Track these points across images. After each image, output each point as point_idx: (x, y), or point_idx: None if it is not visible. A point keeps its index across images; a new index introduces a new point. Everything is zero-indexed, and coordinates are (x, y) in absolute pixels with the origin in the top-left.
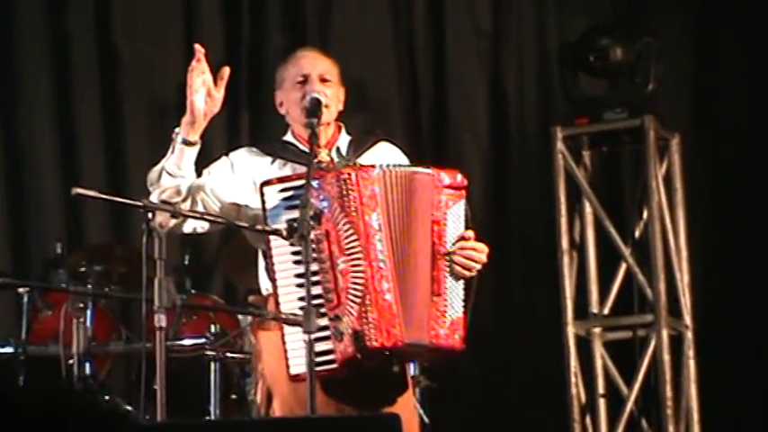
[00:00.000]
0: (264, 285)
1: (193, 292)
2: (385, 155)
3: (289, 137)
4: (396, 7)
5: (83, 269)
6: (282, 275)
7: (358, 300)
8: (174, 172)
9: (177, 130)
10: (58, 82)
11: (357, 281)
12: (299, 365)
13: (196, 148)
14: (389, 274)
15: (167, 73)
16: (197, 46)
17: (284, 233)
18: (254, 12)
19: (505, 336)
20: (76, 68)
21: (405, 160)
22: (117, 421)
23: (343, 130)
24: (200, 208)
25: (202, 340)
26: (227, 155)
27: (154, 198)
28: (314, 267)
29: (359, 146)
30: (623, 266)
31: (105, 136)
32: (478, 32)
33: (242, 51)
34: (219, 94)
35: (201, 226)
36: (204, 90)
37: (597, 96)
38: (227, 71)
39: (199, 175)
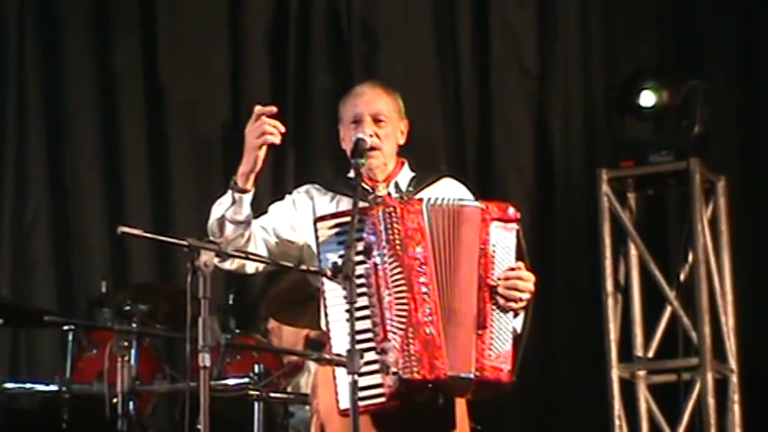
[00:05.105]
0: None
1: (237, 331)
2: (448, 191)
3: (351, 173)
4: (442, 48)
5: (127, 308)
6: (334, 313)
7: (401, 332)
8: (236, 220)
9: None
10: (105, 122)
11: (400, 313)
12: (348, 400)
13: (252, 193)
14: (433, 307)
15: (213, 113)
16: (259, 108)
17: (329, 273)
18: (299, 51)
19: (550, 378)
20: (123, 108)
21: (469, 196)
22: None
23: (406, 166)
24: (260, 246)
25: (246, 380)
26: (290, 194)
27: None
28: (363, 302)
29: (420, 182)
30: (668, 309)
31: (151, 175)
32: (524, 73)
33: (287, 91)
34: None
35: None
36: (262, 142)
37: (643, 139)
38: (274, 110)
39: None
